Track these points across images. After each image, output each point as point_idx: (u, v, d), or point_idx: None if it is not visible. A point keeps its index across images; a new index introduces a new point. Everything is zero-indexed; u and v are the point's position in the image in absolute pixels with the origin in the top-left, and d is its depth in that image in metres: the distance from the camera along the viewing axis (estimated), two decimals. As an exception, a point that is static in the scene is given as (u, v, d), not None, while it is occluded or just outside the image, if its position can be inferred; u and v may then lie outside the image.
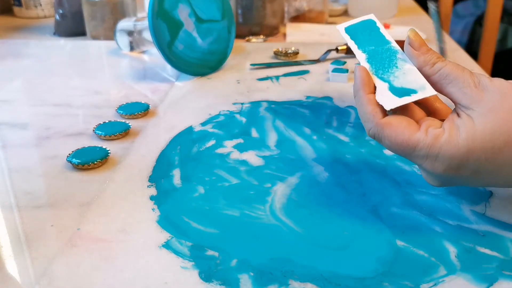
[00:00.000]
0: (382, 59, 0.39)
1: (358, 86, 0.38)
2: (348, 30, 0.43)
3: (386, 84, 0.38)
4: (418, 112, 0.38)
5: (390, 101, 0.36)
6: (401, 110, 0.37)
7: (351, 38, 0.42)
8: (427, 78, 0.37)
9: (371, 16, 0.42)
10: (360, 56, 0.40)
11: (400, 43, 0.78)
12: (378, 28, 0.41)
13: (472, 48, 1.78)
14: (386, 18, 1.01)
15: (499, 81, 0.34)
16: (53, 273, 0.33)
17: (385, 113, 0.37)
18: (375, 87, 0.38)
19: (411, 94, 0.36)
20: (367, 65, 0.39)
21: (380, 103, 0.37)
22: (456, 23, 1.86)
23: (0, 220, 0.39)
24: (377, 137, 0.37)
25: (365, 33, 0.42)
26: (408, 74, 0.37)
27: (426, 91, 0.36)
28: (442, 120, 0.37)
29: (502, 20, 1.67)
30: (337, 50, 0.75)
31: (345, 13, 1.05)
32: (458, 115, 0.35)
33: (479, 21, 1.82)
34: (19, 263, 0.34)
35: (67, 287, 0.32)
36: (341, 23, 0.44)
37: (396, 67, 0.38)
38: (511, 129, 0.33)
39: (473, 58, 0.77)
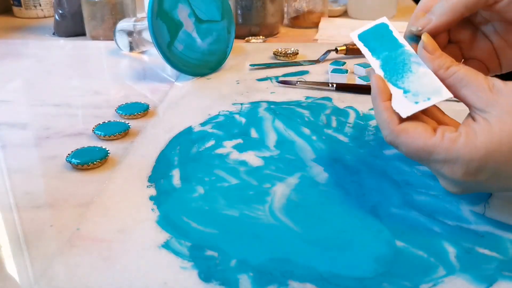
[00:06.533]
0: (396, 64, 0.39)
1: (374, 95, 0.38)
2: (361, 36, 0.42)
3: (401, 91, 0.37)
4: (432, 122, 0.37)
5: (406, 108, 0.36)
6: (416, 118, 0.37)
7: (365, 45, 0.41)
8: (442, 81, 0.36)
9: (384, 20, 0.42)
10: (374, 63, 0.40)
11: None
12: (391, 32, 0.40)
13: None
14: (385, 19, 1.01)
15: None
16: (53, 273, 0.33)
17: (401, 119, 0.36)
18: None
19: (427, 99, 0.36)
20: (381, 72, 0.39)
21: (396, 110, 0.36)
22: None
23: (0, 220, 0.39)
24: (394, 144, 0.36)
25: (378, 38, 0.41)
26: (423, 78, 0.37)
27: (442, 95, 0.35)
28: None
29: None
30: (336, 50, 0.76)
31: (344, 14, 1.05)
32: (473, 119, 0.34)
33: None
34: (18, 263, 0.34)
35: (66, 287, 0.32)
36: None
37: (411, 71, 0.38)
38: None
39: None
